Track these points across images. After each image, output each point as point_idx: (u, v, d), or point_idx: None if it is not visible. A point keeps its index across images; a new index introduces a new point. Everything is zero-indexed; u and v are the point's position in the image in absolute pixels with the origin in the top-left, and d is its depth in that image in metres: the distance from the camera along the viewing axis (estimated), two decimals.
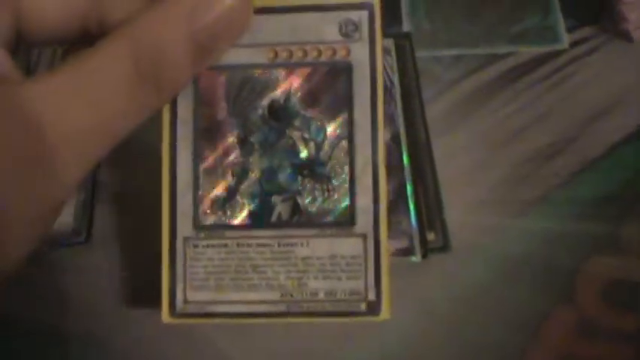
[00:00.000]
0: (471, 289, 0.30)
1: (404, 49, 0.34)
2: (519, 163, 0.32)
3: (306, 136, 0.20)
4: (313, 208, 0.20)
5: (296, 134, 0.20)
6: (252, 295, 0.20)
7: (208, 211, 0.20)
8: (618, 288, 0.30)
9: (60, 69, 0.19)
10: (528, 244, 0.31)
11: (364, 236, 0.20)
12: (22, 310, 0.30)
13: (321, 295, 0.20)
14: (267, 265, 0.20)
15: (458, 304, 0.30)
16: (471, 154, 0.33)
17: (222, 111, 0.20)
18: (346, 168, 0.20)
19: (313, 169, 0.20)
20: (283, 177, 0.20)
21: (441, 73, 0.35)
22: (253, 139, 0.20)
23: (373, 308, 0.20)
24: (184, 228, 0.20)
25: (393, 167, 0.30)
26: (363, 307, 0.20)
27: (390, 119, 0.31)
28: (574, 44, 0.35)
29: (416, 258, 0.29)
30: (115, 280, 0.31)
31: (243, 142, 0.20)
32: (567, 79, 0.34)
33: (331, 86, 0.20)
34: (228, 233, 0.20)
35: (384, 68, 0.32)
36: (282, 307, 0.20)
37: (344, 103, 0.20)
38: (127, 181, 0.33)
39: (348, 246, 0.20)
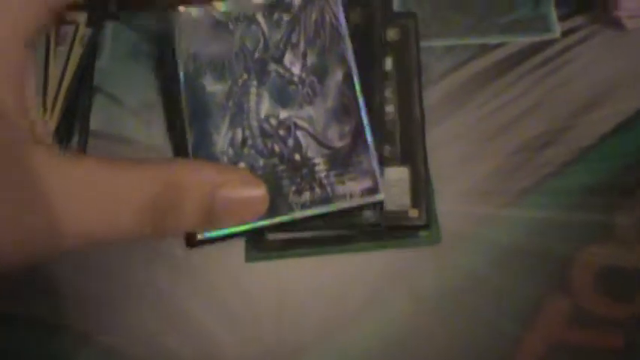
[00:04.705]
0: (464, 279, 0.30)
1: (408, 29, 0.33)
2: (511, 153, 0.32)
3: None
4: None
5: None
6: None
7: None
8: (611, 277, 0.30)
9: (88, 162, 0.20)
10: (521, 234, 0.31)
11: None
12: None
13: None
14: None
15: (450, 293, 0.30)
16: (463, 145, 0.32)
17: None
18: None
19: None
20: None
21: (432, 64, 0.34)
22: None
23: None
24: None
25: (349, 107, 0.29)
26: None
27: (340, 59, 0.29)
28: (565, 33, 0.34)
29: (379, 196, 0.28)
30: None
31: None
32: (559, 69, 0.34)
33: None
34: None
35: (328, 3, 0.30)
36: None
37: None
38: None
39: None
